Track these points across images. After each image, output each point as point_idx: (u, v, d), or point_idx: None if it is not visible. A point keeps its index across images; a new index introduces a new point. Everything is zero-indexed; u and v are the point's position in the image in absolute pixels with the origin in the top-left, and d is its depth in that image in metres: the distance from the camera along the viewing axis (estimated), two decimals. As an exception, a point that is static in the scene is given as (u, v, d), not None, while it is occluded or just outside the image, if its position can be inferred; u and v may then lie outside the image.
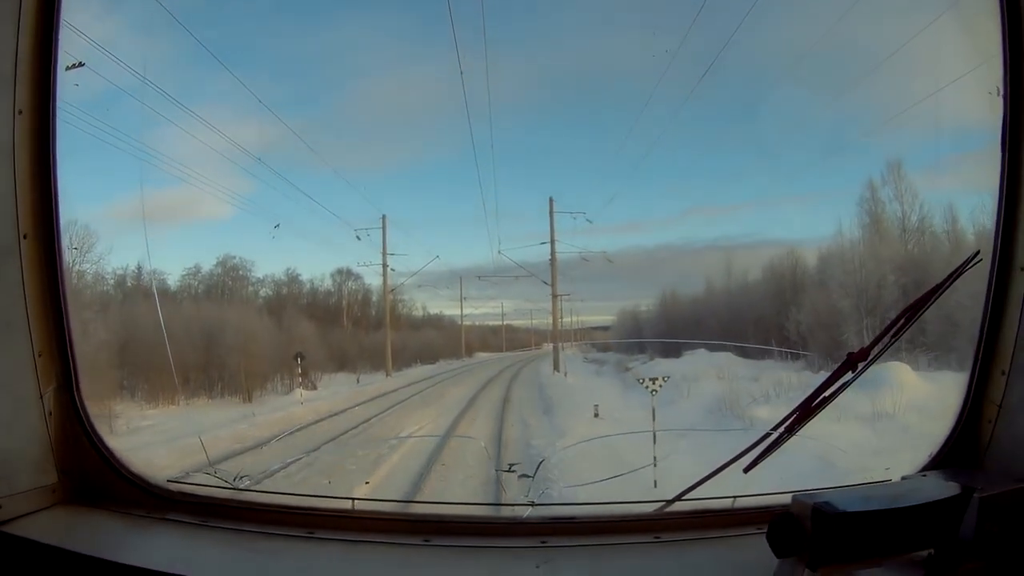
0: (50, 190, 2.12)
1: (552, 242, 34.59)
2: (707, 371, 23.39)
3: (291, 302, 39.62)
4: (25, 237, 2.07)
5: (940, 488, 1.77)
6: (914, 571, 1.74)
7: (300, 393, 25.61)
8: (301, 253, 59.97)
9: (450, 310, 52.27)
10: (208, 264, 36.81)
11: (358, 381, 33.29)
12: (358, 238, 36.55)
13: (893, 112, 24.48)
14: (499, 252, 49.43)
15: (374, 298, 44.97)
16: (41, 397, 2.15)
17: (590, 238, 51.33)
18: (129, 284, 30.10)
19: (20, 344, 2.09)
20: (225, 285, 37.38)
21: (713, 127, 40.66)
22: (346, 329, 41.34)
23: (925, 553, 1.76)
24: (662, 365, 27.30)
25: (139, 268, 29.65)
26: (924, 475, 2.07)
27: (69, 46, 2.16)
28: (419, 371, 40.94)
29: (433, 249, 46.71)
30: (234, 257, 37.78)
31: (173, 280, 33.44)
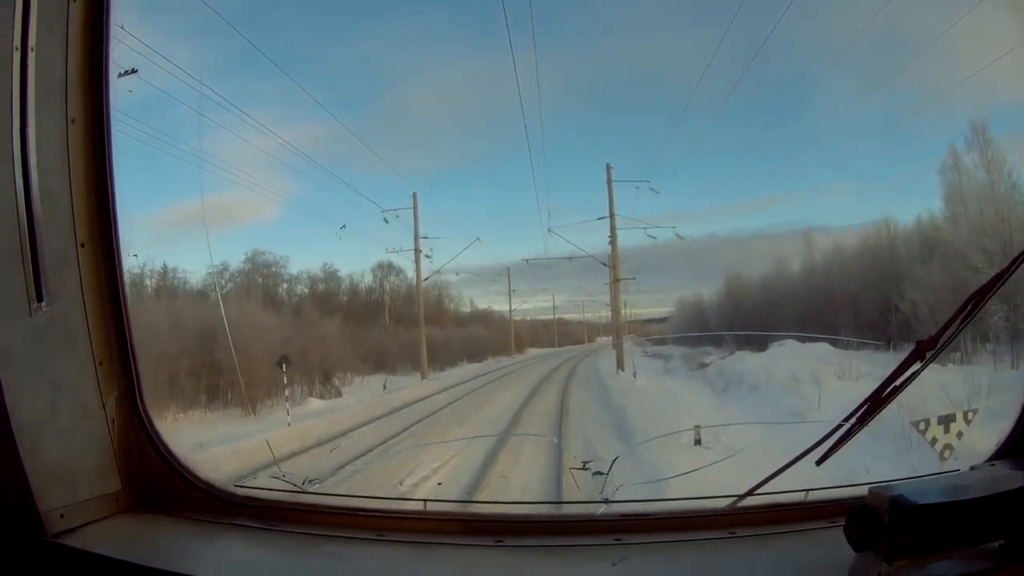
0: (107, 198, 2.28)
1: (611, 216, 32.46)
2: (817, 369, 20.47)
3: (328, 299, 39.53)
4: (83, 246, 2.22)
5: (1010, 478, 1.86)
6: (986, 562, 1.81)
7: (287, 410, 23.38)
8: (351, 253, 60.55)
9: (499, 305, 52.34)
10: (236, 262, 36.81)
11: (385, 387, 31.71)
12: (386, 220, 35.07)
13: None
14: (549, 231, 50.10)
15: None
16: (103, 405, 2.30)
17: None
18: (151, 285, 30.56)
19: (81, 353, 2.23)
20: (255, 283, 37.40)
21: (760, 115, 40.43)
22: (387, 327, 41.04)
23: (996, 544, 1.83)
24: (748, 361, 25.36)
25: (164, 268, 30.22)
26: (992, 465, 2.16)
27: (119, 52, 2.30)
28: (462, 371, 40.24)
29: (476, 235, 45.89)
30: (264, 253, 37.93)
31: (197, 279, 33.64)
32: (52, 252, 2.10)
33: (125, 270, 2.35)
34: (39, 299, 2.05)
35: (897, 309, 25.03)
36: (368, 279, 44.51)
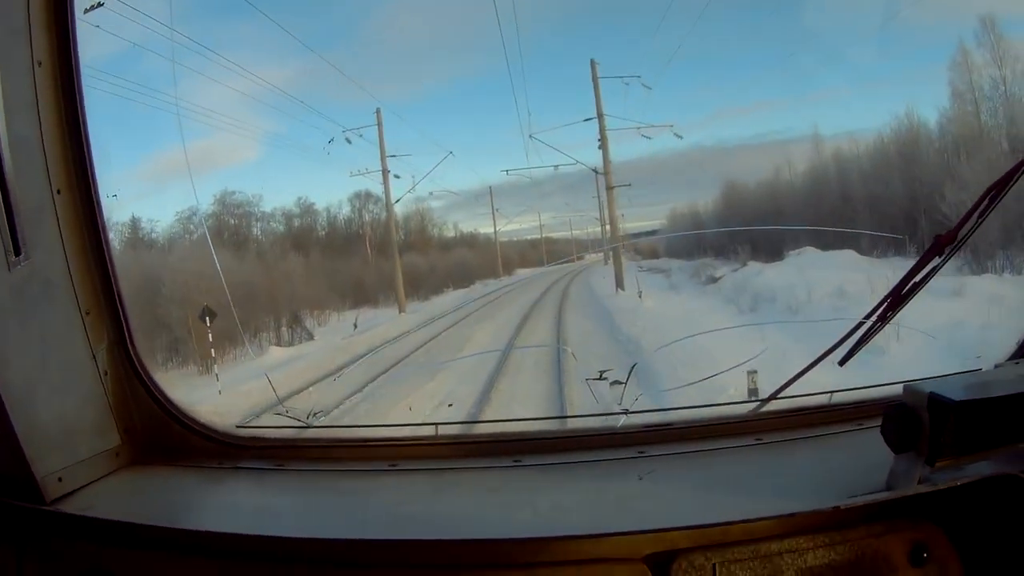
0: (81, 143, 2.25)
1: (600, 116, 30.98)
2: (849, 281, 18.95)
3: (304, 235, 39.42)
4: (59, 192, 2.19)
5: None
6: (1022, 462, 1.80)
7: (216, 375, 20.62)
8: (331, 185, 61.27)
9: (486, 227, 52.85)
10: (206, 205, 36.35)
11: (355, 327, 29.78)
12: (348, 140, 34.48)
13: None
14: (531, 137, 48.87)
15: (400, 220, 44.31)
16: (94, 357, 2.29)
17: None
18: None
19: (65, 304, 2.22)
20: (226, 225, 37.01)
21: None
22: (367, 258, 40.64)
23: None
24: (769, 274, 24.12)
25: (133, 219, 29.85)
26: (1017, 362, 2.17)
27: None
28: (447, 299, 39.31)
29: (453, 151, 45.68)
30: (235, 193, 37.58)
31: (165, 228, 33.32)
32: (27, 202, 2.06)
33: (106, 214, 2.32)
34: (16, 252, 2.02)
35: (924, 211, 24.11)
36: (347, 210, 44.41)
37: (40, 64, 2.13)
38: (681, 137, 33.60)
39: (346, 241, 42.13)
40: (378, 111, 34.93)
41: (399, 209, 41.08)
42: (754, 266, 27.78)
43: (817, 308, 18.48)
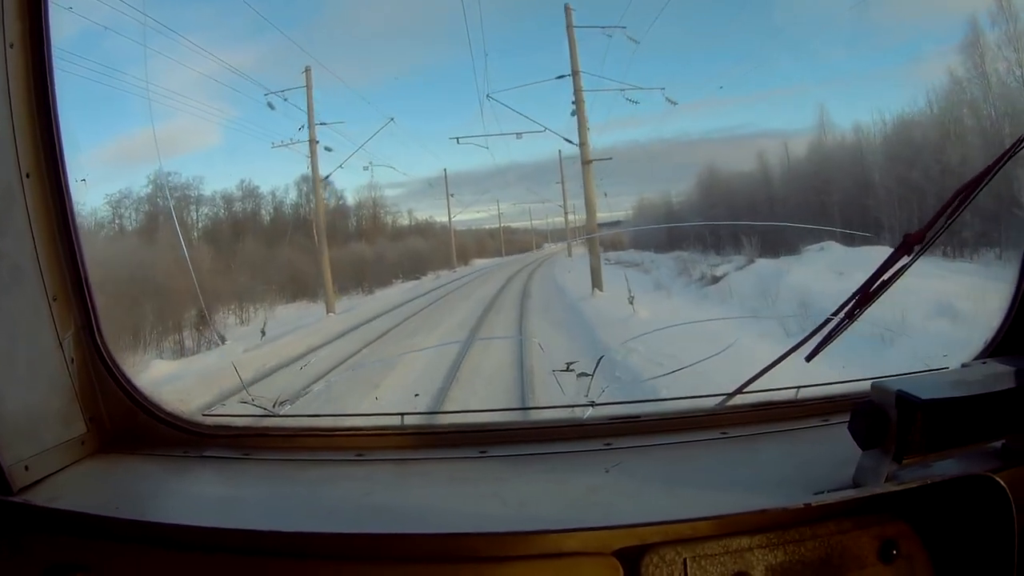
0: (51, 126, 2.34)
1: (575, 74, 27.19)
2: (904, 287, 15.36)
3: (243, 221, 38.58)
4: (28, 176, 2.28)
5: (1006, 376, 1.95)
6: (989, 462, 1.95)
7: None
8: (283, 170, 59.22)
9: (443, 215, 51.97)
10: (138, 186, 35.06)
11: (263, 333, 24.17)
12: (270, 106, 31.02)
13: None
14: (488, 98, 43.46)
15: (352, 203, 44.81)
16: (60, 344, 2.37)
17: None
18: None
19: (32, 290, 2.30)
20: (160, 210, 35.16)
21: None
22: (311, 247, 38.25)
23: (999, 443, 2.00)
24: (795, 274, 20.46)
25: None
26: (984, 362, 2.26)
27: None
28: (391, 293, 37.68)
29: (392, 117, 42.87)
30: (171, 173, 36.08)
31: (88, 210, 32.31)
32: None
33: (75, 199, 2.40)
34: None
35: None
36: (293, 195, 43.61)
37: (12, 46, 2.21)
38: (675, 103, 29.00)
39: (291, 227, 41.17)
40: (307, 70, 31.70)
41: (348, 195, 40.85)
42: (766, 263, 24.32)
43: (923, 330, 13.80)
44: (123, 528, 2.02)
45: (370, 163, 42.01)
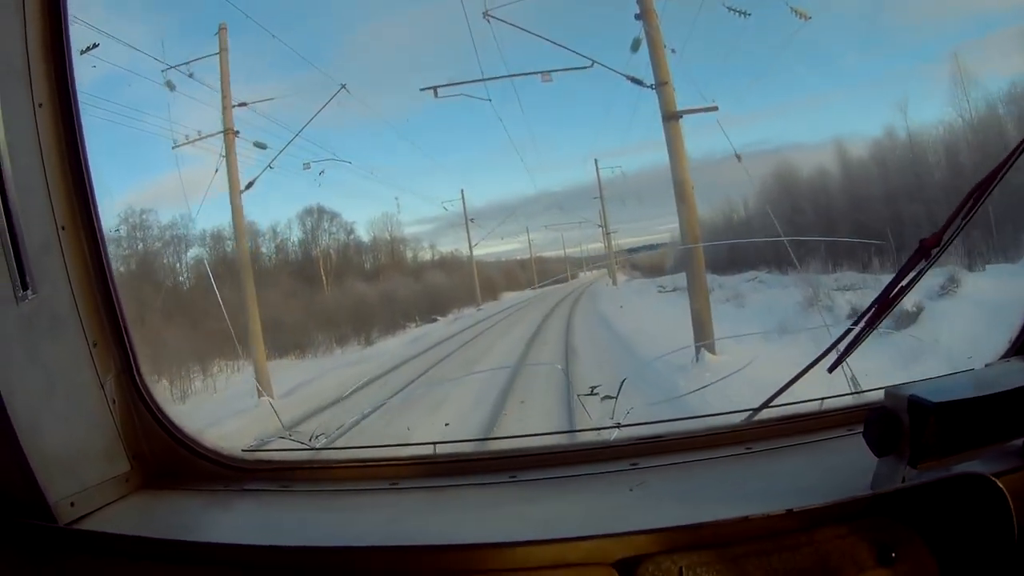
0: (83, 178, 2.64)
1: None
2: None
3: (231, 261, 36.12)
4: (64, 228, 2.57)
5: None
6: (1010, 461, 2.10)
7: None
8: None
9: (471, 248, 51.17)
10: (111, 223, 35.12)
11: None
12: (169, 86, 24.51)
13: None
14: (486, 16, 28.23)
15: (367, 240, 44.68)
16: (102, 387, 2.66)
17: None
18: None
19: (73, 336, 2.59)
20: (136, 251, 35.53)
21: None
22: (324, 288, 38.92)
23: (1020, 441, 2.13)
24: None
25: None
26: (1007, 361, 2.45)
27: (77, 30, 2.62)
28: (392, 347, 34.01)
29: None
30: (148, 211, 35.84)
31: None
32: (33, 238, 2.42)
33: (110, 249, 2.70)
34: (24, 287, 2.35)
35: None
36: (297, 231, 43.77)
37: (41, 106, 2.52)
38: (717, 107, 20.18)
39: (294, 268, 41.51)
40: (222, 28, 24.95)
41: (362, 231, 39.46)
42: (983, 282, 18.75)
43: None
44: (168, 549, 2.32)
45: (309, 162, 33.23)
